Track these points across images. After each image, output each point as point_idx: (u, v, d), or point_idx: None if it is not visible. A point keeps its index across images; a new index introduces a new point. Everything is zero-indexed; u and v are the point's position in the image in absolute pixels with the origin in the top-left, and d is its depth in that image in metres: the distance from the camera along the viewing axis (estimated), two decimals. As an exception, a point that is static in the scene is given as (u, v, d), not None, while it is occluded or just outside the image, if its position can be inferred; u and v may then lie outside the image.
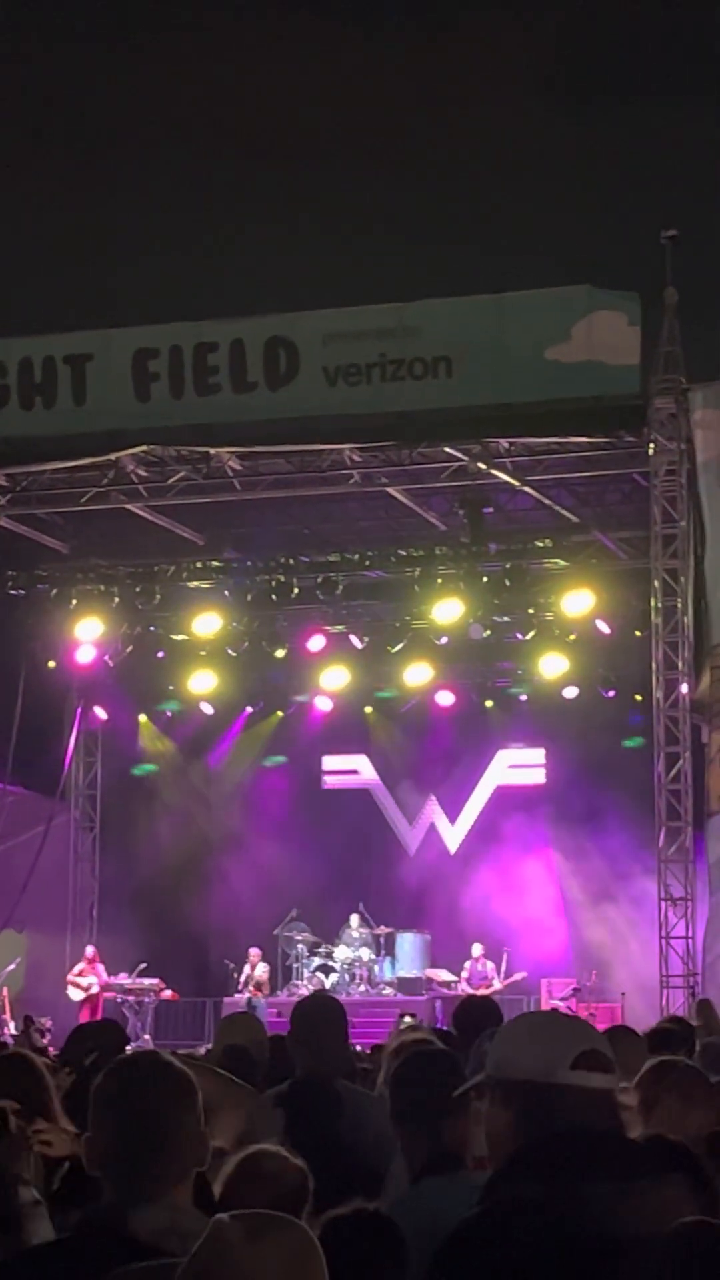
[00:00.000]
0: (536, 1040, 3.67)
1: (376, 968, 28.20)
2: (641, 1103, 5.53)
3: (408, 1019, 19.24)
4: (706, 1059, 7.76)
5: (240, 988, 27.24)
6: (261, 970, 27.42)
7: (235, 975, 27.48)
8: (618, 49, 41.25)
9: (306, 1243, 3.17)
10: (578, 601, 25.58)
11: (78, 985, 27.19)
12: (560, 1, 40.38)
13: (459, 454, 23.55)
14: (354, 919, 28.46)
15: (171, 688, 30.22)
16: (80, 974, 27.31)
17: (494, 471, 23.77)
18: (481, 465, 23.61)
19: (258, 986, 27.17)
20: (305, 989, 26.83)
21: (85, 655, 28.22)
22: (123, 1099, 3.79)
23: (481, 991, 25.89)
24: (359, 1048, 12.24)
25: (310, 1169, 5.04)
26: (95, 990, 27.07)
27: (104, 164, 39.13)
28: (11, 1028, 25.70)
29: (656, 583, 22.80)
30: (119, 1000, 27.26)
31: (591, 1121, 3.53)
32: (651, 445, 22.44)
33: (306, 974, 27.94)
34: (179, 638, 28.72)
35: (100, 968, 27.46)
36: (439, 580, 25.68)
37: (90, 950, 27.74)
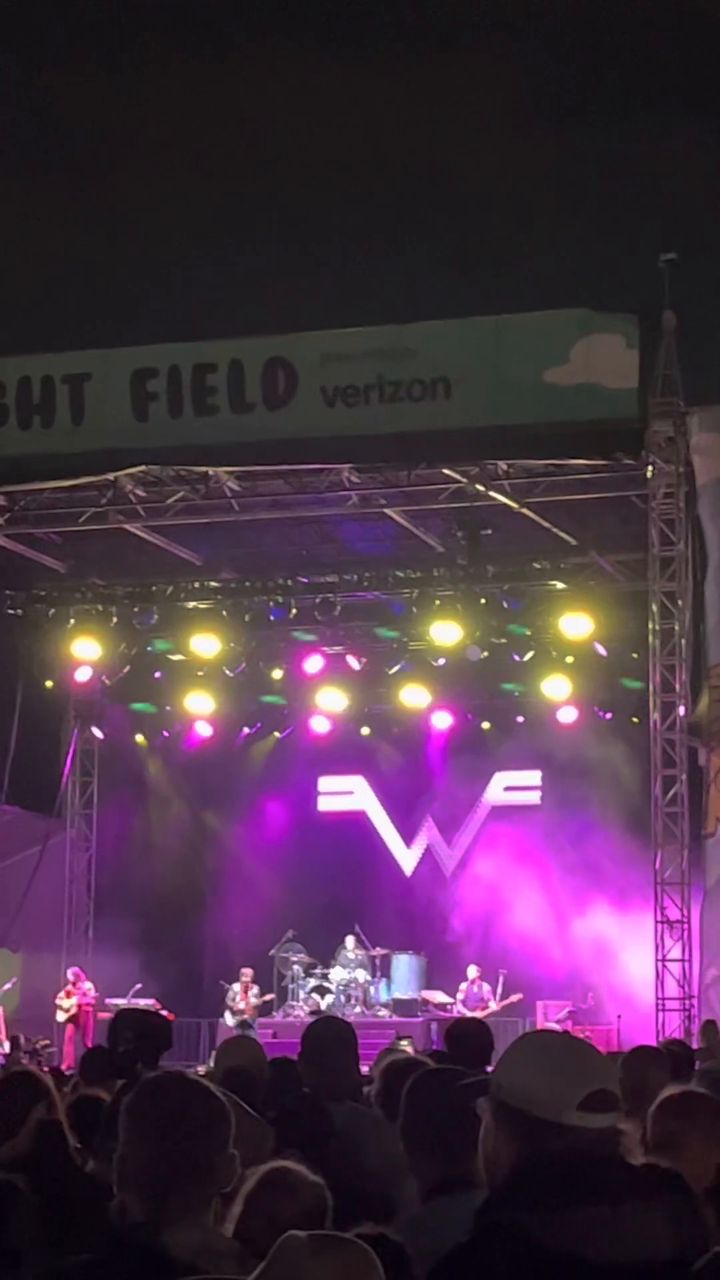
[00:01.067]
0: (546, 1072, 3.62)
1: (372, 989, 28.17)
2: (662, 1136, 5.48)
3: (403, 1043, 19.23)
4: (705, 1084, 7.73)
5: (231, 1006, 27.18)
6: (254, 992, 27.36)
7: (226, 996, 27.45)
8: (614, 72, 41.38)
9: (369, 1261, 3.34)
10: (575, 623, 25.59)
11: (60, 1007, 27.04)
12: (557, 25, 40.50)
13: (457, 475, 23.57)
14: (350, 940, 28.42)
15: (169, 708, 30.20)
16: (66, 994, 27.13)
17: (492, 493, 23.79)
18: (479, 487, 23.63)
19: (254, 1007, 27.11)
20: (301, 1010, 26.81)
21: (82, 675, 28.22)
22: (160, 1119, 3.80)
23: (477, 1013, 25.86)
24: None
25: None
26: (75, 1011, 26.90)
27: (104, 186, 39.21)
28: (6, 1048, 25.68)
29: (654, 605, 22.82)
30: (115, 1021, 27.15)
31: (591, 1152, 3.52)
32: (649, 468, 22.47)
33: (302, 995, 27.91)
34: (176, 658, 28.72)
35: (86, 986, 27.27)
36: (436, 602, 25.69)
37: (71, 973, 27.48)
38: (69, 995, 27.11)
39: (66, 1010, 26.88)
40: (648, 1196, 3.54)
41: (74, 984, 27.23)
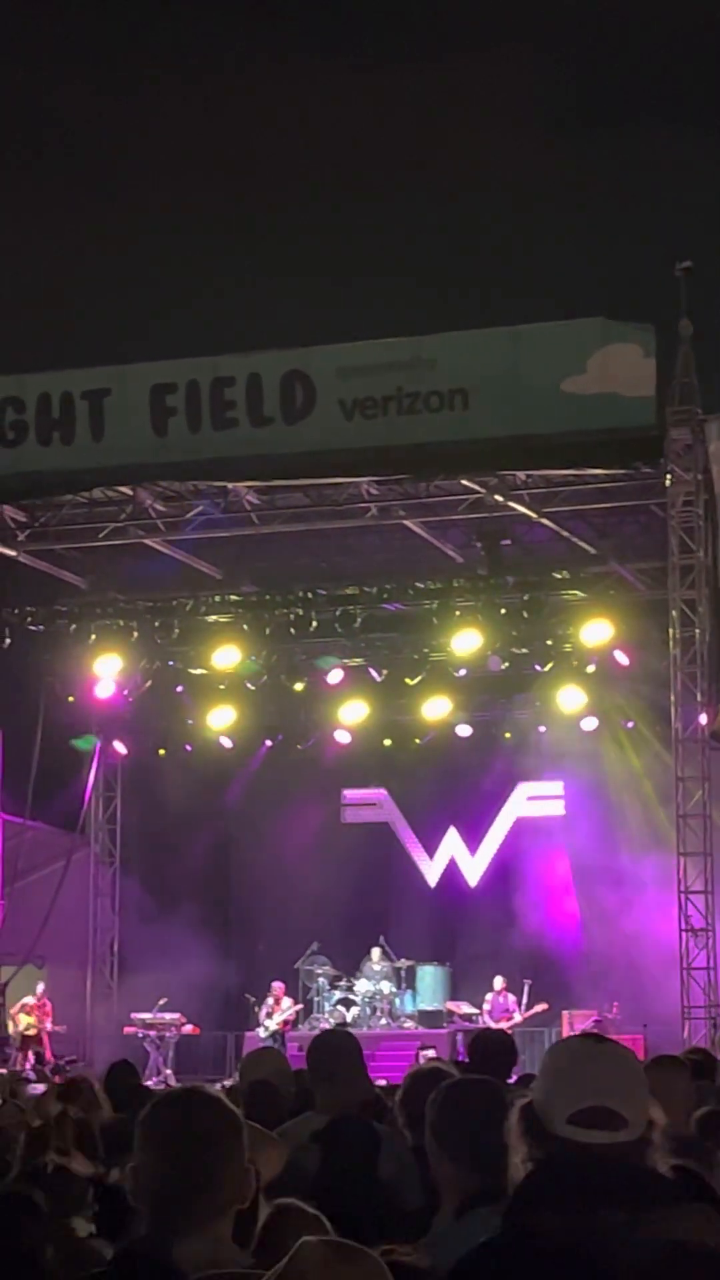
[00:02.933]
0: (549, 1079, 3.65)
1: (398, 1001, 28.15)
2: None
3: (428, 1053, 19.23)
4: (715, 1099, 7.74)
5: (262, 1021, 27.18)
6: (287, 1004, 27.35)
7: (256, 1009, 27.43)
8: (631, 80, 41.41)
9: (379, 1271, 3.36)
10: (596, 633, 25.57)
11: (14, 1019, 26.81)
12: (574, 34, 40.53)
13: (476, 486, 23.59)
14: (375, 952, 28.41)
15: (191, 722, 30.21)
16: (28, 1010, 26.91)
17: (511, 504, 23.81)
18: (498, 497, 23.65)
19: (285, 1022, 27.09)
20: (327, 1023, 26.78)
21: (104, 690, 28.25)
22: (173, 1132, 3.81)
23: (502, 1024, 25.85)
24: (384, 1081, 12.22)
25: (348, 1207, 5.01)
26: (33, 1033, 26.71)
27: (121, 202, 39.33)
28: (31, 1062, 25.72)
29: (674, 613, 22.80)
30: (140, 1035, 27.21)
31: (598, 1161, 3.52)
32: (668, 476, 22.47)
33: (328, 1007, 27.89)
34: (198, 672, 28.75)
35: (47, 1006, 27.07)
36: (457, 613, 25.68)
37: (38, 990, 27.26)
38: (28, 1012, 26.80)
39: (22, 1028, 26.60)
40: (674, 1199, 3.54)
41: (39, 1003, 26.92)
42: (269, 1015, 27.22)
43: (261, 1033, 26.93)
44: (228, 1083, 13.02)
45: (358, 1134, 6.30)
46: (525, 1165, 3.58)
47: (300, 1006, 27.69)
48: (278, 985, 27.53)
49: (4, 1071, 23.76)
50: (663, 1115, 3.65)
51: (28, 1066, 25.29)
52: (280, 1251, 3.97)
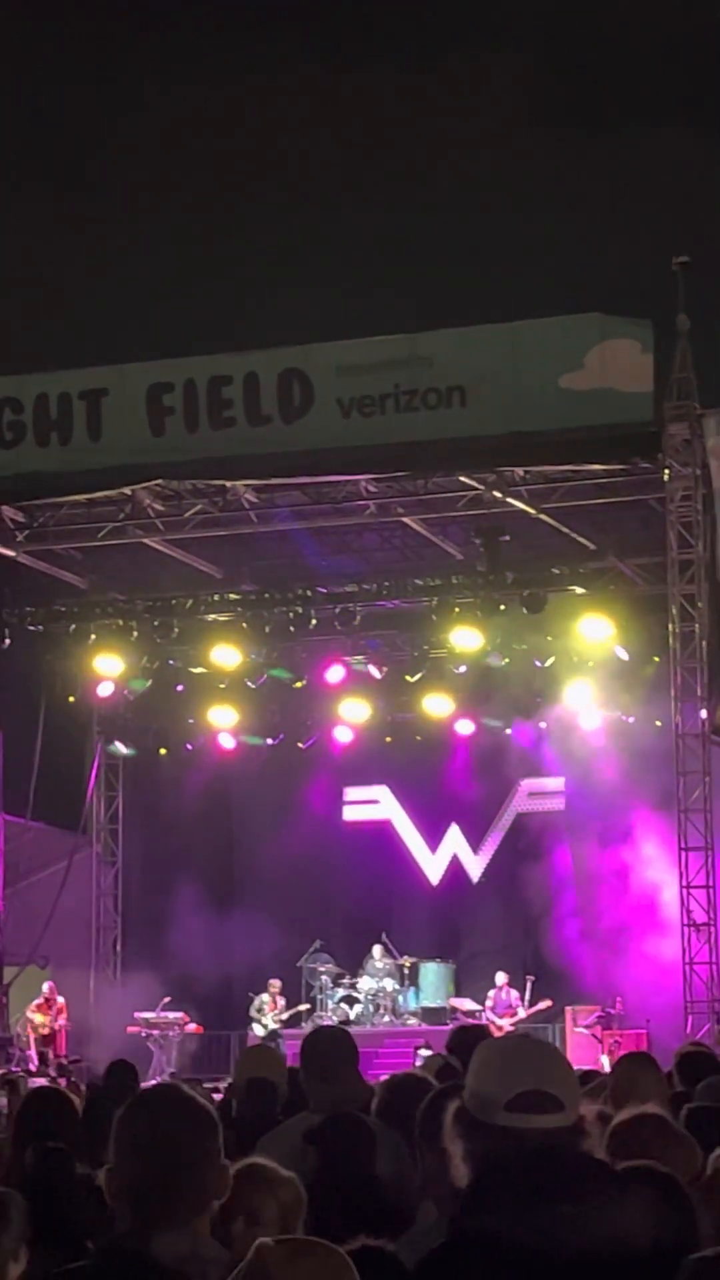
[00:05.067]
0: (482, 1074, 3.70)
1: (400, 998, 28.16)
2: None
3: (424, 1051, 19.20)
4: (709, 1095, 7.73)
5: (256, 1017, 27.20)
6: (282, 1003, 27.38)
7: (259, 1011, 27.45)
8: (627, 76, 41.40)
9: (342, 1265, 3.40)
10: (595, 628, 25.57)
11: (31, 1021, 26.76)
12: (570, 30, 40.54)
13: (474, 483, 23.59)
14: (377, 950, 28.42)
15: (191, 721, 30.22)
16: (40, 1009, 26.85)
17: (509, 500, 23.81)
18: (497, 494, 23.65)
19: (280, 1019, 27.10)
20: (330, 1020, 26.78)
21: (105, 690, 28.27)
22: (147, 1132, 3.84)
23: (506, 1020, 25.88)
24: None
25: (346, 1206, 5.03)
26: (49, 1031, 26.65)
27: (116, 202, 39.34)
28: (36, 1062, 25.72)
29: (674, 608, 22.81)
30: (144, 1034, 27.22)
31: (537, 1152, 3.55)
32: (666, 471, 22.48)
33: (330, 1005, 27.90)
34: (198, 671, 28.76)
35: (60, 1001, 26.99)
36: (456, 609, 25.68)
37: (48, 987, 27.14)
38: (42, 1011, 26.74)
39: (37, 1027, 26.56)
40: (616, 1191, 3.56)
41: (49, 999, 26.87)
42: (265, 1012, 27.24)
43: (259, 1030, 26.95)
44: (227, 1081, 13.03)
45: (352, 1131, 6.31)
46: (465, 1163, 3.61)
47: (304, 1007, 27.67)
48: (274, 982, 27.55)
49: (2, 1071, 23.76)
50: (594, 1108, 3.70)
51: (31, 1066, 25.27)
52: (245, 1214, 4.08)
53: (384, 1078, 7.22)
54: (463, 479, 23.57)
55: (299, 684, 28.77)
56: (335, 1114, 6.63)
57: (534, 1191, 3.45)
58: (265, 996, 27.48)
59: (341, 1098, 6.71)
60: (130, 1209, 3.78)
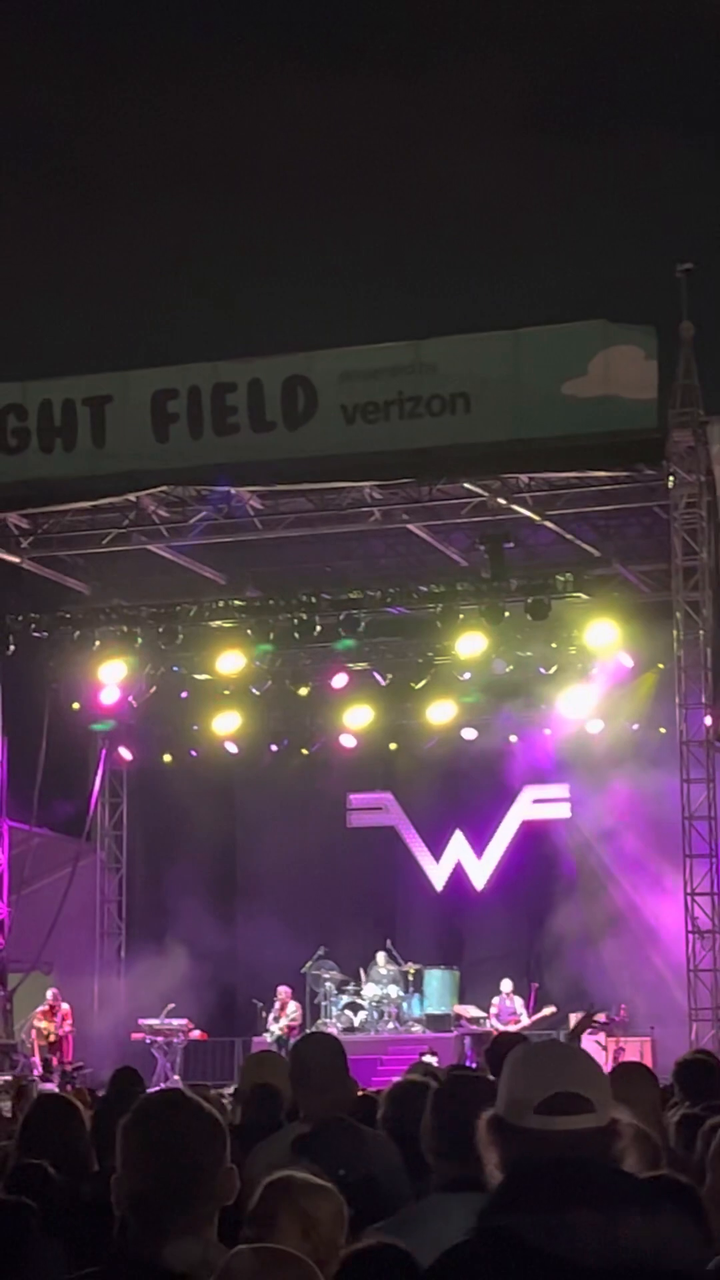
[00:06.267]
0: (512, 1078, 3.71)
1: (405, 1005, 28.15)
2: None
3: (429, 1057, 19.20)
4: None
5: (269, 1025, 27.17)
6: (294, 1009, 27.35)
7: (264, 1014, 27.44)
8: (630, 82, 41.42)
9: (309, 1273, 3.44)
10: (600, 635, 25.56)
11: (36, 1029, 26.71)
12: (573, 37, 40.56)
13: (478, 490, 23.59)
14: (381, 956, 28.42)
15: (196, 728, 30.21)
16: (44, 1016, 26.78)
17: (514, 507, 23.80)
18: (501, 501, 23.64)
19: (290, 1026, 27.07)
20: (334, 1027, 26.77)
21: (109, 696, 28.25)
22: (154, 1138, 3.84)
23: (510, 1028, 25.84)
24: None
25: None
26: (54, 1038, 26.59)
27: (121, 208, 39.38)
28: (41, 1069, 25.69)
29: (678, 615, 22.80)
30: (148, 1041, 27.20)
31: (567, 1157, 3.55)
32: (671, 478, 22.47)
33: (335, 1012, 27.89)
34: (202, 677, 28.76)
35: (65, 1007, 26.92)
36: (461, 616, 25.67)
37: (51, 994, 27.08)
38: (47, 1018, 26.68)
39: (42, 1034, 26.51)
40: (650, 1203, 3.56)
41: (53, 1006, 26.82)
42: (275, 1019, 27.23)
43: (267, 1037, 26.94)
44: (232, 1087, 13.02)
45: (339, 1136, 6.32)
46: (499, 1170, 3.62)
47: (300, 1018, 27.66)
48: (283, 989, 27.53)
49: (8, 1077, 23.75)
50: (628, 1113, 3.70)
51: (35, 1074, 25.24)
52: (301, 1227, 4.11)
53: (386, 1089, 7.23)
54: (467, 486, 23.56)
55: (304, 690, 28.76)
56: (323, 1120, 6.65)
57: (559, 1195, 3.46)
58: (275, 1003, 27.43)
59: (331, 1104, 6.72)
60: (139, 1216, 3.78)
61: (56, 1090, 19.51)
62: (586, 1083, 3.68)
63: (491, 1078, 8.86)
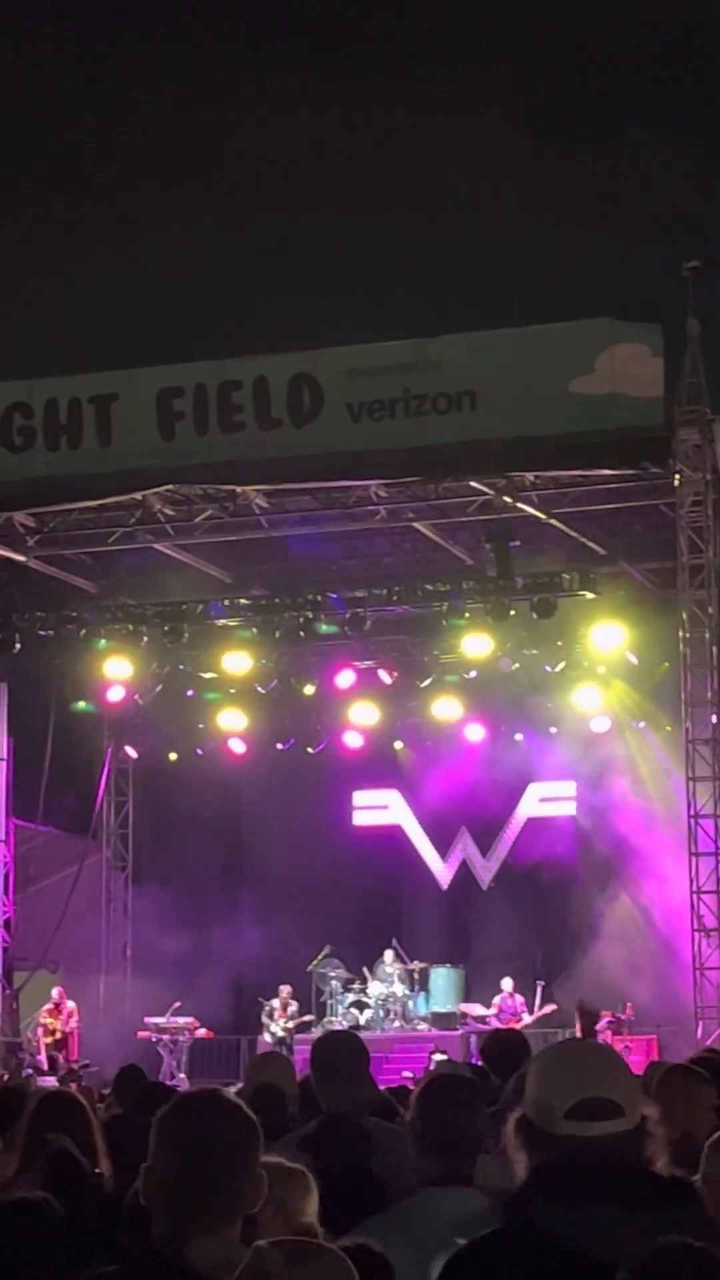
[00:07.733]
0: (542, 1082, 3.70)
1: (411, 1003, 28.13)
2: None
3: (438, 1055, 19.20)
4: None
5: (267, 1024, 27.17)
6: (293, 1009, 27.36)
7: (264, 1014, 27.43)
8: (636, 82, 41.42)
9: (344, 1269, 3.38)
10: (606, 633, 25.54)
11: (43, 1025, 26.71)
12: (580, 37, 40.56)
13: (484, 488, 23.55)
14: (388, 954, 28.41)
15: (201, 726, 30.20)
16: (50, 1014, 26.78)
17: (519, 505, 23.76)
18: (507, 499, 23.61)
19: (290, 1028, 27.06)
20: (340, 1025, 26.76)
21: (115, 695, 28.25)
22: (189, 1135, 3.83)
23: (512, 1026, 25.82)
24: (410, 1074, 12.21)
25: (344, 1207, 5.04)
26: (60, 1035, 26.59)
27: (127, 207, 39.40)
28: (46, 1066, 25.70)
29: (684, 613, 22.79)
30: (154, 1039, 27.20)
31: (597, 1160, 3.55)
32: (677, 476, 22.44)
33: (341, 1010, 27.88)
34: (208, 676, 28.74)
35: (70, 1005, 26.91)
36: (467, 614, 25.64)
37: (57, 992, 27.08)
38: (52, 1015, 26.69)
39: (49, 1031, 26.51)
40: (674, 1203, 3.55)
41: (58, 1004, 26.82)
42: (275, 1018, 27.23)
43: (268, 1037, 26.93)
44: (236, 1087, 13.01)
45: (346, 1134, 6.31)
46: (528, 1173, 3.63)
47: (310, 1018, 27.63)
48: (284, 988, 27.53)
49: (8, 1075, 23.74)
50: (656, 1109, 3.69)
51: (25, 1074, 25.21)
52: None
53: (416, 1086, 7.20)
54: (473, 484, 23.53)
55: (309, 689, 28.75)
56: (328, 1118, 6.64)
57: (585, 1191, 3.47)
58: (276, 1003, 27.45)
59: (353, 1101, 6.71)
60: (166, 1212, 3.78)
61: (57, 1086, 19.49)
62: (615, 1085, 3.67)
63: (492, 1076, 8.85)
